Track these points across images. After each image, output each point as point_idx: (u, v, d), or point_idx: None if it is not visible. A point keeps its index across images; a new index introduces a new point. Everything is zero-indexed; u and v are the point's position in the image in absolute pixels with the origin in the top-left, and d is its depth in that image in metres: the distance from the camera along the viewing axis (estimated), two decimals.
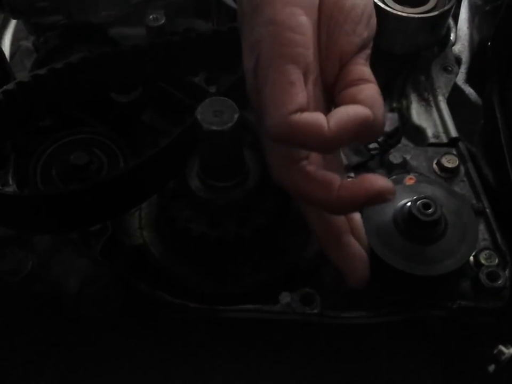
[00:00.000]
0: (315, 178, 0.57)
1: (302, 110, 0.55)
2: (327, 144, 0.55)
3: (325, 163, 0.62)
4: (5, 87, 0.71)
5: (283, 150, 0.59)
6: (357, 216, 0.66)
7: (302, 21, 0.57)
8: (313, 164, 0.58)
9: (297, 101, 0.55)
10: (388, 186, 0.56)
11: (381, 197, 0.56)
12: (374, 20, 0.63)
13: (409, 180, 0.71)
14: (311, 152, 0.59)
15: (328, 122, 0.54)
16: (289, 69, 0.56)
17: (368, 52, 0.62)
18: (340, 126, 0.54)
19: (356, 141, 0.61)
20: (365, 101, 0.57)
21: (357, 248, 0.63)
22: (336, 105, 0.59)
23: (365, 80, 0.60)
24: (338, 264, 0.64)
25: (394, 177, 0.74)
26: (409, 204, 0.68)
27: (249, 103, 0.62)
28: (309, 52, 0.57)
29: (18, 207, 0.65)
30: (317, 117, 0.55)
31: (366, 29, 0.61)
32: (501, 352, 0.71)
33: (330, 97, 0.61)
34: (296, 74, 0.56)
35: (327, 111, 0.59)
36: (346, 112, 0.55)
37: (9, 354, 0.74)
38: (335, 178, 0.57)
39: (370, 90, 0.59)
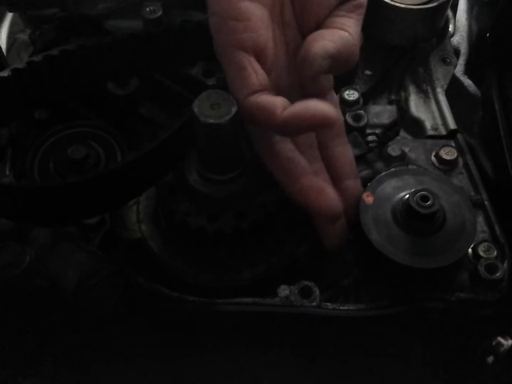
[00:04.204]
0: (261, 103, 0.60)
1: (255, 91, 0.59)
2: (278, 128, 0.59)
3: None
4: None
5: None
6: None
7: (244, 7, 0.59)
8: (265, 93, 0.60)
9: (250, 83, 0.59)
10: (328, 111, 0.59)
11: (320, 120, 0.59)
12: None
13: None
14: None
15: (285, 109, 0.58)
16: (236, 55, 0.59)
17: (353, 2, 0.63)
18: (295, 115, 0.58)
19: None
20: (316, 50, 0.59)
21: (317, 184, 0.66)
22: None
23: (332, 29, 0.62)
24: (299, 200, 0.67)
25: (393, 169, 0.74)
26: (407, 196, 0.68)
27: None
28: (256, 34, 0.60)
29: (16, 198, 0.64)
30: (272, 102, 0.59)
31: None
32: (500, 344, 0.72)
33: None
34: (244, 59, 0.60)
35: None
36: (306, 105, 0.58)
37: (7, 349, 0.74)
38: (278, 102, 0.59)
39: (336, 33, 0.61)
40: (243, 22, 0.59)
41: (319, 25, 0.63)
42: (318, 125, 0.60)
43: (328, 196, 0.66)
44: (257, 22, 0.60)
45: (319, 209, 0.66)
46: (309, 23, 0.64)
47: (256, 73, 0.60)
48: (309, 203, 0.66)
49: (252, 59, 0.60)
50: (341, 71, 0.64)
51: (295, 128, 0.60)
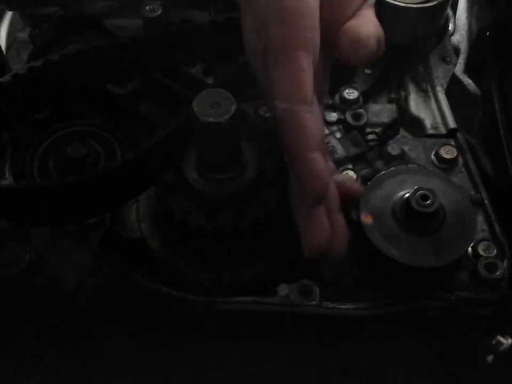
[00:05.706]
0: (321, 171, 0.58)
1: (308, 102, 0.55)
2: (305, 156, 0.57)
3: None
4: (0, 79, 0.71)
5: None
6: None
7: (310, 4, 0.56)
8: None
9: (305, 89, 0.55)
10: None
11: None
12: None
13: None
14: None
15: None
16: (299, 55, 0.55)
17: (371, 1, 0.63)
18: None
19: None
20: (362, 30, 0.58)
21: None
22: (338, 41, 0.59)
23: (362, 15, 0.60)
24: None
25: (393, 168, 0.74)
26: (407, 195, 0.68)
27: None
28: (316, 35, 0.57)
29: (15, 200, 0.64)
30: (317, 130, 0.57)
31: None
32: (499, 343, 0.72)
33: (327, 59, 0.62)
34: (306, 61, 0.56)
35: (324, 77, 0.62)
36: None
37: (7, 348, 0.74)
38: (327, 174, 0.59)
39: (368, 19, 0.60)
40: (309, 19, 0.55)
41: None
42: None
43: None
44: (317, 21, 0.57)
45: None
46: (337, 20, 0.60)
47: (310, 77, 0.56)
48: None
49: (311, 61, 0.56)
50: (372, 61, 0.60)
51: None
